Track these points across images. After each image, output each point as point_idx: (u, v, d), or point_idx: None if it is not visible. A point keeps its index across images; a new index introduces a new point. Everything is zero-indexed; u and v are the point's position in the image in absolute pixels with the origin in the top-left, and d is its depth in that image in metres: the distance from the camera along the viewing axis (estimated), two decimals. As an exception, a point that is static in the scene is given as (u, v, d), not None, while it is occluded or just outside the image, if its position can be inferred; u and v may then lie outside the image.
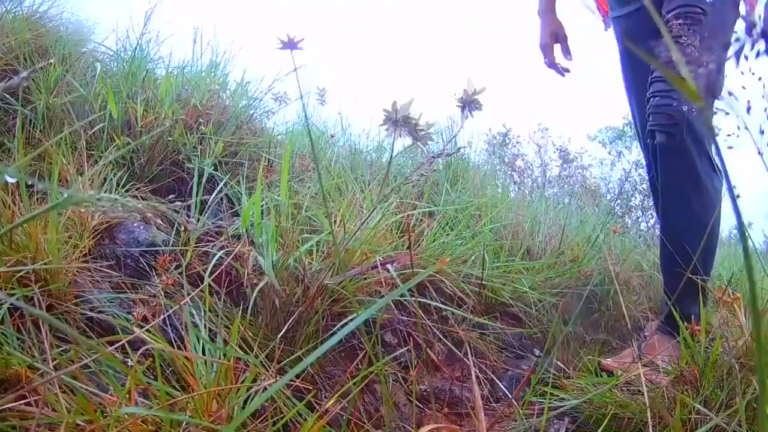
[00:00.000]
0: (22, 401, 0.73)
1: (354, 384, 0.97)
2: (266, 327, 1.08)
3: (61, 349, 0.86)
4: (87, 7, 2.33)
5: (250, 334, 1.05)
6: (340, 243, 1.12)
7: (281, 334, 1.03)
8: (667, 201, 1.62)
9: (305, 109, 1.29)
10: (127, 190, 1.37)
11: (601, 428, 1.03)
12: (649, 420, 0.98)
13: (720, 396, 1.07)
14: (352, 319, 1.21)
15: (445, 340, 1.49)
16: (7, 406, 0.71)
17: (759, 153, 0.80)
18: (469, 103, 1.30)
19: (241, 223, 1.15)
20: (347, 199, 1.51)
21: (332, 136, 2.40)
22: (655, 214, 1.73)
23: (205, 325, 0.98)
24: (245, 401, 0.86)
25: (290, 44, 0.53)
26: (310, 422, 0.72)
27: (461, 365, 1.46)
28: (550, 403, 1.24)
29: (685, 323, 1.22)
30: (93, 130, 1.48)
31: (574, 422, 1.25)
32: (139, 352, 0.63)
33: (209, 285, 1.16)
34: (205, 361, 0.82)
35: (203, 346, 0.85)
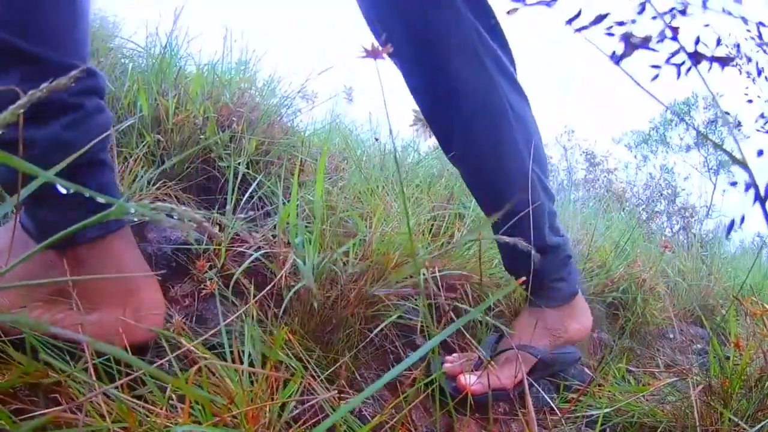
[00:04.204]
0: (58, 407, 0.71)
1: (404, 399, 0.94)
2: (302, 330, 1.05)
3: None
4: (113, 4, 2.34)
5: (287, 337, 1.02)
6: (380, 249, 1.09)
7: (319, 338, 1.00)
8: None
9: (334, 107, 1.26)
10: (158, 189, 1.35)
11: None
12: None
13: (747, 408, 1.03)
14: (386, 324, 1.18)
15: (476, 345, 1.46)
16: (45, 411, 0.68)
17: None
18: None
19: (278, 225, 1.12)
20: (382, 201, 1.48)
21: (376, 139, 2.33)
22: None
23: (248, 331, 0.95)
24: (282, 405, 0.84)
25: (374, 53, 0.52)
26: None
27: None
28: (583, 411, 1.22)
29: None
30: (122, 127, 1.46)
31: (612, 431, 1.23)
32: (193, 369, 0.60)
33: (245, 286, 1.14)
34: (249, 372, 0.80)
35: (249, 355, 0.82)
